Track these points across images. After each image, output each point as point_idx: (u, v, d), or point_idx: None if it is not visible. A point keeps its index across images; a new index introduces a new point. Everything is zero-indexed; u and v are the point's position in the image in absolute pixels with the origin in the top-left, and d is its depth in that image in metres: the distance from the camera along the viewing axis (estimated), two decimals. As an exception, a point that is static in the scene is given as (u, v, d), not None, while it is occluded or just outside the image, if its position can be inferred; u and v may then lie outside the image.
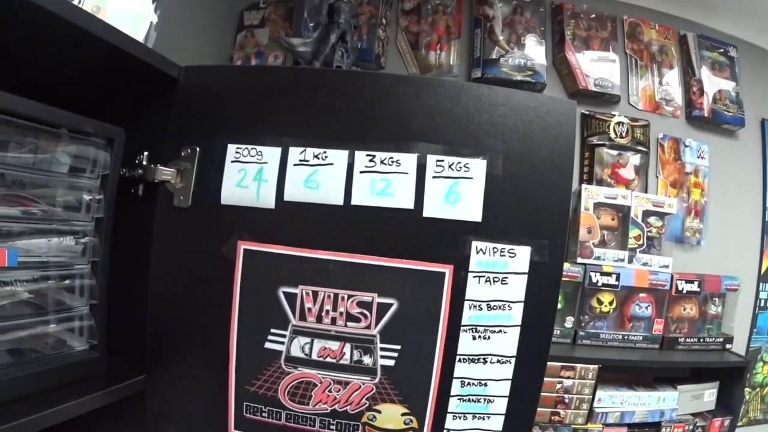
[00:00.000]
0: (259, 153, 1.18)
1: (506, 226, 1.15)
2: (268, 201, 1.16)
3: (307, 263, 1.15)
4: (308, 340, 1.17)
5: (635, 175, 2.27)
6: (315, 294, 1.16)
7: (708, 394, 2.16)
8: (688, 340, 2.13)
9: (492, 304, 1.16)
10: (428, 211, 1.13)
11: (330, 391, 1.18)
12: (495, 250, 1.16)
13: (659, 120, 2.37)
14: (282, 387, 1.18)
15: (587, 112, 2.30)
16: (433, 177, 1.15)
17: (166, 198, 1.17)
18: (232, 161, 1.19)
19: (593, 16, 2.37)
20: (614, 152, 2.25)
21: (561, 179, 1.16)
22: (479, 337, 1.17)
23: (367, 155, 1.15)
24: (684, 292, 2.14)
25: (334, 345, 1.17)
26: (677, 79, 2.44)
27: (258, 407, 1.19)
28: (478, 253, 1.15)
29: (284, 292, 1.17)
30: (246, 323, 1.17)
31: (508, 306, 1.17)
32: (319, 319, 1.16)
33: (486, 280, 1.16)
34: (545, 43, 2.31)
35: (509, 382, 1.19)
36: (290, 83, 1.22)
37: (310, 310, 1.17)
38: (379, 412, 1.18)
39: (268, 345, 1.18)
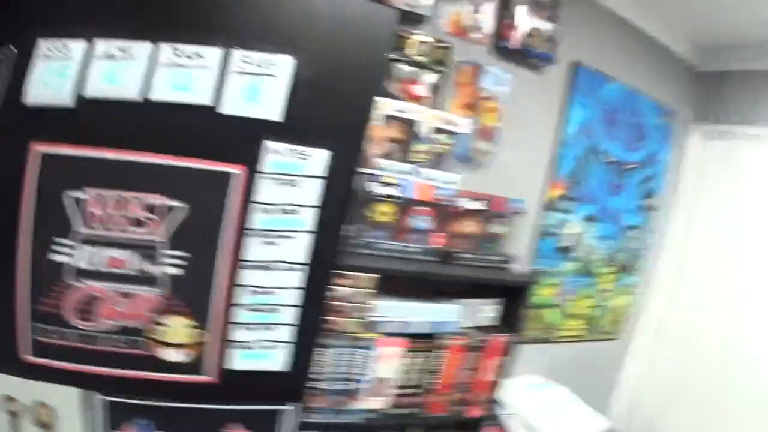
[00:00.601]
0: (66, 47, 1.20)
1: (307, 129, 1.24)
2: (67, 98, 1.20)
3: (95, 164, 1.19)
4: (93, 249, 1.20)
5: (429, 93, 2.49)
6: (101, 197, 1.20)
7: (489, 310, 2.52)
8: (468, 255, 2.44)
9: (283, 207, 1.26)
10: (226, 108, 1.21)
11: (115, 305, 1.22)
12: (290, 151, 1.24)
13: (464, 45, 2.59)
14: (70, 303, 1.20)
15: (389, 27, 2.49)
16: (237, 72, 1.21)
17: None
18: (39, 57, 1.20)
19: None
20: (409, 69, 2.44)
21: (369, 87, 1.28)
22: (268, 242, 1.27)
23: (173, 48, 1.20)
24: (468, 209, 2.48)
25: (120, 254, 1.21)
26: (492, 10, 2.66)
27: (49, 329, 1.21)
28: (272, 153, 1.23)
29: (70, 196, 1.20)
30: (33, 233, 1.19)
31: (299, 210, 1.27)
32: (105, 226, 1.20)
33: (279, 183, 1.24)
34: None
35: (297, 291, 1.30)
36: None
37: (95, 215, 1.20)
38: (166, 325, 1.24)
39: (53, 257, 1.19)
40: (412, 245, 2.36)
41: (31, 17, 1.21)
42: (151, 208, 1.22)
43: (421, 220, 2.40)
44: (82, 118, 1.20)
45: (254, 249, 1.25)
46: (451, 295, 2.41)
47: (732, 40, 3.53)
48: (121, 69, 1.20)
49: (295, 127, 1.23)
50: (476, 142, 2.67)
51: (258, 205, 1.24)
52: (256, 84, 1.22)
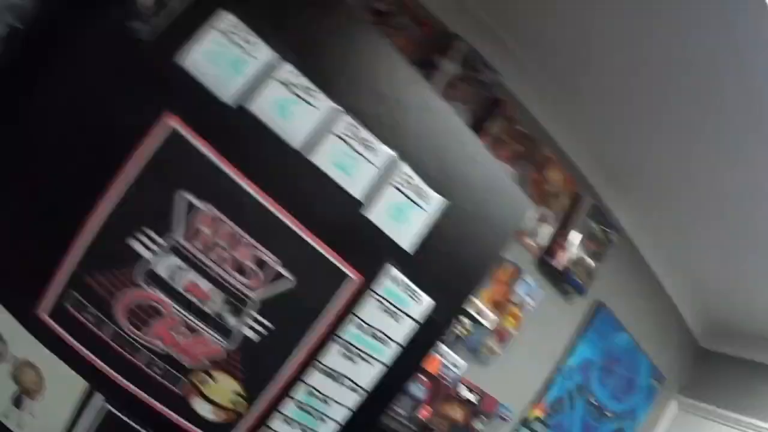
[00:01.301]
0: (251, 41, 1.22)
1: (427, 272, 1.43)
2: (229, 97, 1.21)
3: (227, 183, 1.21)
4: (181, 263, 1.20)
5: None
6: (218, 220, 1.21)
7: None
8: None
9: (376, 332, 1.41)
10: (371, 214, 1.35)
11: (174, 331, 1.22)
12: (406, 286, 1.41)
13: (515, 245, 3.03)
14: (123, 298, 1.18)
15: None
16: (395, 186, 1.37)
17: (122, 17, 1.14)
18: (215, 31, 1.19)
19: (521, 128, 2.99)
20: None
21: (487, 259, 1.54)
22: (347, 357, 1.40)
23: (351, 124, 1.32)
24: (462, 397, 2.83)
25: (205, 285, 1.22)
26: (552, 225, 3.18)
27: (84, 304, 1.17)
28: (391, 280, 1.40)
29: (185, 198, 1.19)
30: (122, 205, 1.15)
31: (389, 342, 1.43)
32: (207, 250, 1.22)
33: (383, 309, 1.40)
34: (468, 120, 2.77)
35: (348, 411, 1.42)
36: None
37: (202, 233, 1.21)
38: (214, 379, 1.27)
39: (133, 243, 1.17)
40: (398, 407, 2.60)
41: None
42: (260, 263, 1.27)
43: (418, 389, 2.68)
44: (234, 128, 1.23)
45: (332, 356, 1.37)
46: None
47: (738, 324, 4.12)
48: (298, 107, 1.26)
49: (418, 266, 1.42)
50: (490, 340, 3.04)
51: (354, 317, 1.37)
52: (406, 207, 1.38)
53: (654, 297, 3.94)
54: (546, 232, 3.20)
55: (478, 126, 2.88)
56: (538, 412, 3.48)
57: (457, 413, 2.90)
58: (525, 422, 3.44)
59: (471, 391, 2.92)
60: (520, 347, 3.20)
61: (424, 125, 1.44)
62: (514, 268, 3.09)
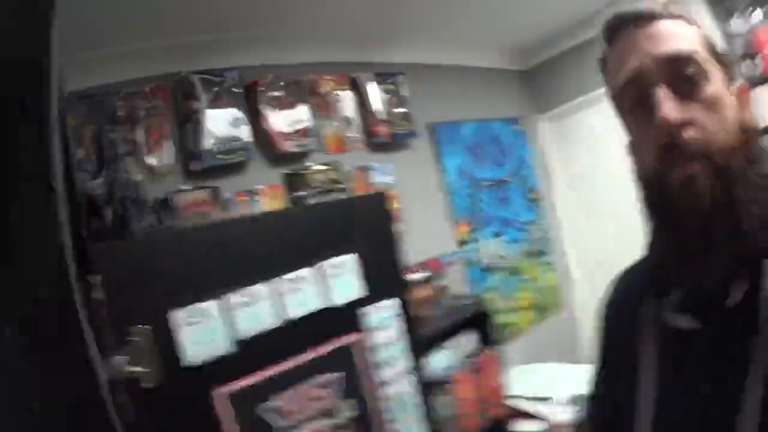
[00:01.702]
0: (205, 310, 1.70)
1: (380, 292, 2.05)
2: (229, 346, 1.72)
3: (270, 380, 1.78)
4: None
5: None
6: (291, 396, 1.82)
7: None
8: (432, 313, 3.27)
9: (386, 345, 2.08)
10: (337, 301, 1.98)
11: None
12: (377, 308, 2.06)
13: (349, 157, 3.45)
14: None
15: (290, 172, 3.23)
16: (328, 277, 1.97)
17: (130, 388, 1.44)
18: (184, 326, 1.65)
19: (281, 84, 3.23)
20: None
21: (396, 249, 2.15)
22: (387, 365, 2.07)
23: (287, 279, 1.88)
24: (416, 280, 3.29)
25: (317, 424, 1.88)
26: (356, 117, 3.55)
27: None
28: (368, 315, 2.04)
29: (266, 408, 1.79)
30: None
31: (397, 341, 2.10)
32: (298, 414, 1.83)
33: (378, 329, 2.04)
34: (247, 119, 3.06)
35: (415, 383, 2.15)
36: (218, 239, 1.81)
37: (291, 411, 1.82)
38: None
39: None
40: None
41: (160, 295, 1.62)
42: (323, 385, 1.88)
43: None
44: (245, 354, 1.73)
45: (386, 372, 2.06)
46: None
47: (541, 33, 4.53)
48: (257, 309, 1.80)
49: (374, 295, 2.05)
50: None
51: (377, 347, 2.04)
52: (340, 281, 1.99)
53: (459, 78, 4.42)
54: (356, 126, 3.60)
55: (255, 118, 3.18)
56: (464, 230, 4.13)
57: (425, 291, 3.41)
58: (464, 243, 4.10)
59: (418, 272, 3.42)
60: (410, 209, 3.65)
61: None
62: (359, 170, 3.53)
